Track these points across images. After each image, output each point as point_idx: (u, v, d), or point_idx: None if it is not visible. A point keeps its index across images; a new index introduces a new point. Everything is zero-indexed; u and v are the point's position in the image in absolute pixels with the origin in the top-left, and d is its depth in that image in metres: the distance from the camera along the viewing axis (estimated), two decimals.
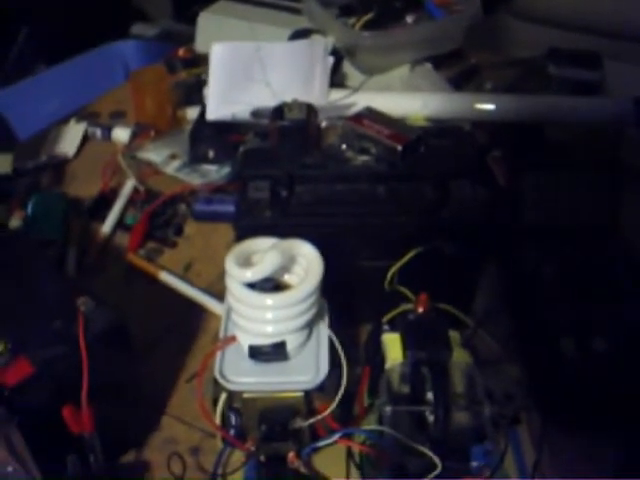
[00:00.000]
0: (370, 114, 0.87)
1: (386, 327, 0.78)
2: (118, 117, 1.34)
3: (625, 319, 0.80)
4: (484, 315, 0.90)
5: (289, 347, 0.68)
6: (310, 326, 0.70)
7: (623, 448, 0.74)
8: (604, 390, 0.75)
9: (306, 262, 0.67)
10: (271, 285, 0.69)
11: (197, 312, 0.94)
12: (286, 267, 0.69)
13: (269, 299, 0.65)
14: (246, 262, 0.66)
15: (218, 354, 0.70)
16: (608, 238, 0.90)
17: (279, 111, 0.84)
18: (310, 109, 0.85)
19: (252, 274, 0.64)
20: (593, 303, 0.82)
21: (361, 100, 1.12)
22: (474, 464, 0.67)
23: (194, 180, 1.12)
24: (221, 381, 0.68)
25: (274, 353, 0.68)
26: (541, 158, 1.02)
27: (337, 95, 1.17)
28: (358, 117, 0.86)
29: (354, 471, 0.72)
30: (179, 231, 1.07)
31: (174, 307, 0.96)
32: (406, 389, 0.73)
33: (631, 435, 0.75)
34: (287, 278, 0.70)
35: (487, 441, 0.68)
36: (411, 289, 0.80)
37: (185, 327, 0.92)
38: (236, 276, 0.65)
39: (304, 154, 0.83)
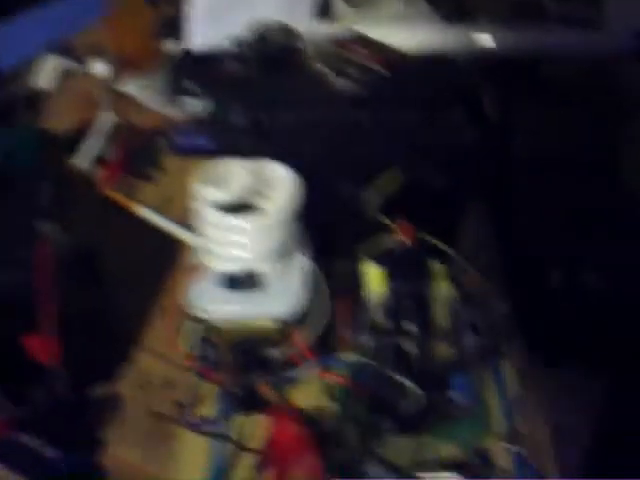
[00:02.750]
0: (355, 38, 0.83)
1: (368, 258, 0.76)
2: (98, 51, 1.28)
3: (618, 255, 0.78)
4: (471, 247, 0.87)
5: (264, 275, 0.65)
6: (287, 254, 0.67)
7: (607, 383, 0.72)
8: (591, 323, 0.73)
9: (281, 185, 0.64)
10: (249, 211, 0.66)
11: (174, 245, 0.91)
12: (262, 191, 0.65)
13: (242, 222, 0.62)
14: (217, 183, 0.63)
15: (189, 284, 0.67)
16: (603, 170, 0.87)
17: (259, 36, 0.80)
18: (292, 33, 0.80)
19: (222, 194, 0.61)
20: (586, 238, 0.79)
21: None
22: (455, 396, 0.65)
23: (175, 113, 1.07)
24: (192, 311, 0.65)
25: (249, 281, 0.65)
26: (534, 91, 0.99)
27: (324, 29, 1.12)
28: (343, 41, 0.82)
29: (331, 403, 0.70)
30: (158, 165, 1.03)
31: (151, 241, 0.92)
32: (388, 321, 0.71)
33: (615, 370, 0.73)
34: (264, 203, 0.66)
35: (468, 373, 0.66)
36: (395, 220, 0.77)
37: (161, 260, 0.88)
38: (206, 197, 0.61)
39: (287, 80, 0.79)
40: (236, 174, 0.62)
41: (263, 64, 0.80)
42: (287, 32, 0.79)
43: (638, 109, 0.99)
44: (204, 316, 0.65)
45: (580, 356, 0.75)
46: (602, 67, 1.13)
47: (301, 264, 0.68)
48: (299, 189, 0.64)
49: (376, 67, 0.77)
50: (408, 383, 0.64)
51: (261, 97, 0.78)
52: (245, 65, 0.82)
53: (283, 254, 0.66)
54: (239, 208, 0.65)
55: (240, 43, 0.96)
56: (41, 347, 0.63)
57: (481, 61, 1.14)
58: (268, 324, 0.66)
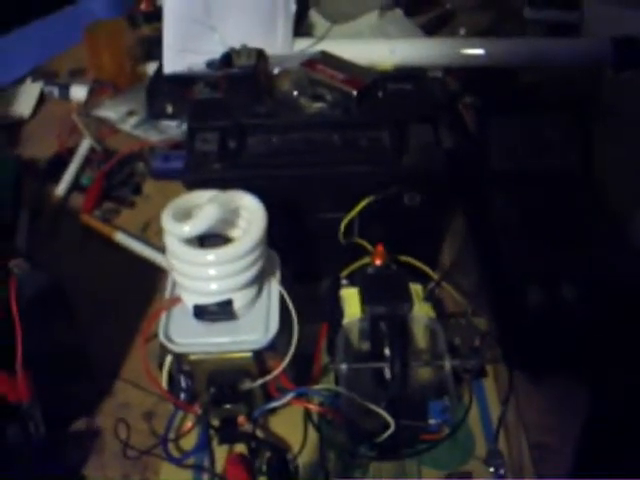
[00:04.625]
0: (324, 59, 0.82)
1: (345, 282, 0.75)
2: (76, 75, 1.28)
3: (595, 266, 0.77)
4: (450, 267, 0.87)
5: (236, 305, 0.64)
6: (259, 282, 0.66)
7: (592, 398, 0.71)
8: (573, 339, 0.72)
9: (248, 214, 0.63)
10: (220, 242, 0.65)
11: (155, 273, 0.90)
12: (230, 221, 0.65)
13: (209, 254, 0.61)
14: (185, 217, 0.62)
15: (163, 315, 0.66)
16: (579, 183, 0.86)
17: (227, 58, 0.79)
18: (260, 55, 0.80)
19: (189, 228, 0.60)
20: (562, 251, 0.78)
21: (327, 49, 1.06)
22: (431, 421, 0.64)
23: (152, 137, 1.07)
24: (166, 343, 0.64)
25: (220, 312, 0.64)
26: (511, 102, 0.98)
27: (303, 44, 1.12)
28: (311, 62, 0.81)
29: (313, 432, 0.69)
30: (137, 190, 1.03)
31: (131, 269, 0.92)
32: (365, 346, 0.70)
33: (600, 385, 0.72)
34: (233, 233, 0.66)
35: (446, 397, 0.65)
36: (374, 242, 0.77)
37: (142, 289, 0.88)
38: (173, 231, 0.61)
39: (255, 103, 0.79)
40: (204, 206, 0.61)
41: (232, 87, 0.79)
42: (257, 55, 0.78)
43: (615, 116, 0.99)
44: (176, 348, 0.64)
45: (563, 373, 0.75)
46: (581, 74, 1.13)
47: (274, 292, 0.68)
48: (265, 217, 0.63)
49: (346, 88, 0.76)
50: (381, 410, 0.63)
51: (231, 120, 0.77)
52: (215, 88, 0.81)
53: (255, 283, 0.66)
54: (209, 239, 0.64)
55: (212, 67, 0.96)
56: (12, 386, 0.62)
57: (459, 72, 1.15)
58: (242, 355, 0.65)
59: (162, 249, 0.91)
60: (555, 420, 0.72)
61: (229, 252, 0.61)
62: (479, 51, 1.11)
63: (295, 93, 0.79)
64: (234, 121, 0.77)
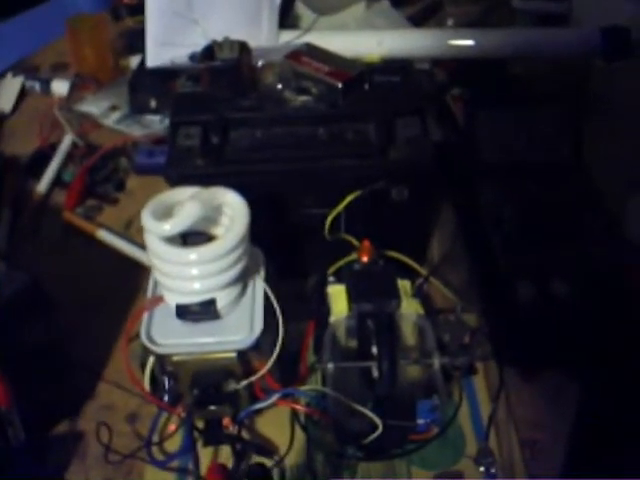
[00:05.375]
0: (309, 51, 0.80)
1: (331, 279, 0.73)
2: (58, 69, 1.26)
3: (587, 260, 0.76)
4: (440, 262, 0.85)
5: (219, 304, 0.62)
6: (242, 281, 0.65)
7: (584, 395, 0.70)
8: (565, 335, 0.71)
9: (231, 211, 0.62)
10: (203, 240, 0.63)
11: (138, 271, 0.88)
12: (213, 218, 0.63)
13: (191, 253, 0.59)
14: (166, 215, 0.60)
15: (145, 316, 0.64)
16: (570, 176, 0.85)
17: (209, 51, 0.77)
18: (243, 47, 0.78)
19: (170, 227, 0.58)
20: (554, 245, 0.77)
21: (313, 41, 1.04)
22: (420, 421, 0.63)
23: (136, 132, 1.05)
24: (148, 344, 0.62)
25: (203, 312, 0.62)
26: (500, 93, 0.97)
27: (287, 37, 1.10)
28: (296, 54, 0.79)
29: (300, 433, 0.68)
30: (120, 186, 1.01)
31: (114, 267, 0.90)
32: (353, 344, 0.69)
33: (592, 381, 0.71)
34: (215, 230, 0.64)
35: (435, 396, 0.63)
36: (361, 238, 0.75)
37: (126, 287, 0.86)
38: (153, 230, 0.59)
39: (238, 96, 0.77)
40: (185, 203, 0.59)
41: (214, 80, 0.77)
42: (240, 47, 0.77)
43: (605, 107, 0.98)
44: (158, 349, 0.63)
45: (554, 369, 0.74)
46: (570, 65, 1.11)
47: (259, 290, 0.66)
48: (248, 213, 0.61)
49: (331, 80, 0.75)
50: (367, 411, 0.61)
51: (214, 114, 0.75)
52: (197, 82, 0.79)
53: (238, 281, 0.64)
54: (191, 237, 0.62)
55: (195, 60, 0.94)
56: None
57: (448, 64, 1.13)
58: (226, 355, 0.63)
59: (145, 247, 0.90)
60: (546, 417, 0.71)
61: (211, 250, 0.59)
62: (468, 42, 1.09)
63: (279, 86, 0.77)
64: (217, 115, 0.75)
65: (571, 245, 0.77)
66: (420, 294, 0.74)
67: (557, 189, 0.82)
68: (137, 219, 0.95)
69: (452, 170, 0.85)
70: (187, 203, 0.59)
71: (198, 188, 0.62)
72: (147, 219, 0.59)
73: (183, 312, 0.62)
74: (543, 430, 0.70)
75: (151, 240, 0.60)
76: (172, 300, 0.63)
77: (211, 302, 0.62)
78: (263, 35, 1.08)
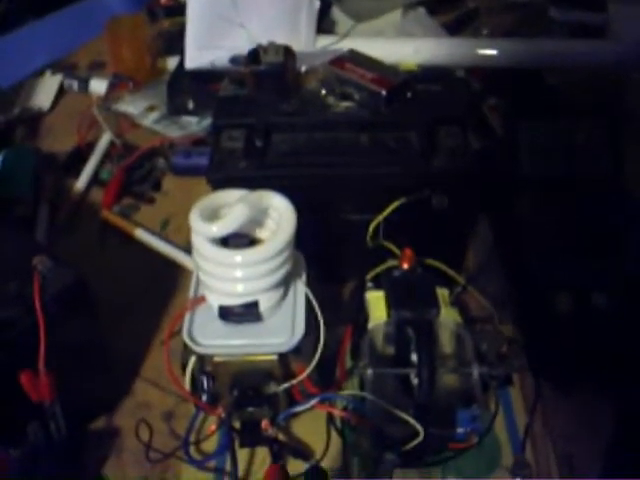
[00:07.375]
0: (353, 57, 0.81)
1: (370, 284, 0.74)
2: (96, 68, 1.28)
3: (625, 273, 0.75)
4: (477, 271, 0.85)
5: (262, 307, 0.63)
6: (285, 284, 0.65)
7: (621, 411, 0.70)
8: (603, 348, 0.71)
9: (278, 215, 0.62)
10: (245, 242, 0.64)
11: (175, 270, 0.89)
12: (258, 221, 0.64)
13: (237, 255, 0.60)
14: (213, 216, 0.61)
15: (187, 316, 0.65)
16: (609, 189, 0.84)
17: (254, 55, 0.78)
18: (288, 52, 0.78)
19: (218, 228, 0.59)
20: (593, 258, 0.77)
21: (350, 47, 1.05)
22: (460, 430, 0.63)
23: (173, 132, 1.06)
24: (190, 344, 0.63)
25: (246, 314, 0.63)
26: (539, 104, 0.96)
27: (325, 42, 1.10)
28: (340, 60, 0.79)
29: (336, 437, 0.68)
30: (157, 186, 1.02)
31: (151, 266, 0.91)
32: (390, 350, 0.69)
33: (629, 397, 0.70)
34: (260, 233, 0.64)
35: (475, 405, 0.63)
36: (399, 245, 0.75)
37: (162, 286, 0.87)
38: (201, 231, 0.59)
39: (282, 100, 0.78)
40: (233, 206, 0.60)
41: (259, 84, 0.78)
42: (285, 51, 0.77)
43: None
44: (200, 349, 0.63)
45: (591, 382, 0.73)
46: (608, 76, 1.11)
47: (300, 294, 0.67)
48: (295, 218, 0.62)
49: (375, 88, 0.75)
50: (409, 418, 0.61)
51: (257, 118, 0.76)
52: (240, 85, 0.80)
53: (281, 285, 0.64)
54: (233, 239, 0.63)
55: (236, 62, 0.94)
56: (37, 384, 0.61)
57: (483, 73, 1.13)
58: (267, 357, 0.64)
59: (181, 247, 0.91)
60: (581, 430, 0.70)
61: (257, 253, 0.60)
62: (502, 51, 1.09)
63: (323, 91, 0.77)
64: (260, 119, 0.76)
65: (609, 259, 0.77)
66: (458, 303, 0.74)
67: (596, 202, 0.82)
68: (173, 219, 0.97)
69: (490, 180, 0.84)
70: (236, 206, 0.59)
71: (244, 191, 0.63)
72: (195, 220, 0.59)
73: (226, 313, 0.63)
74: (579, 444, 0.70)
75: (198, 241, 0.61)
76: (215, 301, 0.64)
77: (254, 304, 0.62)
78: (301, 39, 1.09)
